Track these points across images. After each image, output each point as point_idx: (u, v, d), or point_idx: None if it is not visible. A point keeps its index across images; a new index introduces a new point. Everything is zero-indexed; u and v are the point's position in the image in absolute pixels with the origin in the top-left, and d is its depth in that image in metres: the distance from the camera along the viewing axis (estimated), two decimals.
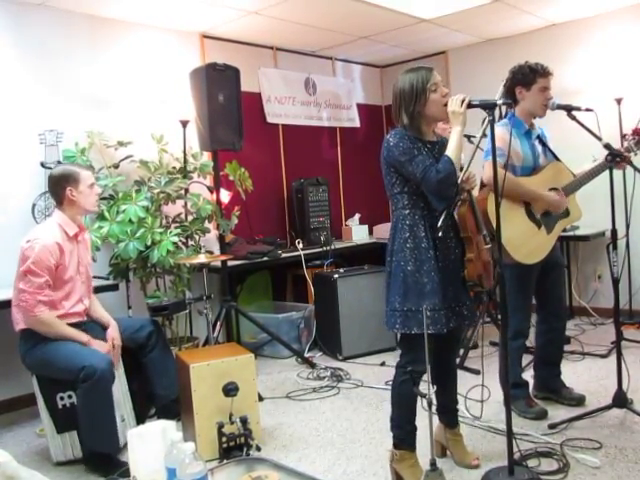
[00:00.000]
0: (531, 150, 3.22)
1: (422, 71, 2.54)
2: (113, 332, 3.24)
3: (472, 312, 2.69)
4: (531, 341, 3.51)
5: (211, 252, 4.54)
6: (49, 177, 3.23)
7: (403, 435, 2.65)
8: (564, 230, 3.58)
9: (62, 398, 3.09)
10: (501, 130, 3.07)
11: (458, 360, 4.11)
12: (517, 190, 3.05)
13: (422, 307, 2.44)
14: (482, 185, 3.20)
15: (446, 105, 2.50)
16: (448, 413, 2.86)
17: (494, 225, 2.55)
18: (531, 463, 2.72)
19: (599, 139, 3.00)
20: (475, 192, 3.27)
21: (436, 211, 2.58)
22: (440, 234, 2.50)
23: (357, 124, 6.59)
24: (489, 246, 2.67)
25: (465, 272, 2.59)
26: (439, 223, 2.50)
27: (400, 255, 2.54)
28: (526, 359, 3.50)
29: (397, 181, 2.57)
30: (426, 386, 2.38)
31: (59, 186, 3.12)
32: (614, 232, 3.08)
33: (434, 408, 2.43)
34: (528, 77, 3.16)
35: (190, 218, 4.43)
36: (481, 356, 3.09)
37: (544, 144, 3.29)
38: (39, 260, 2.95)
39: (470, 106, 2.47)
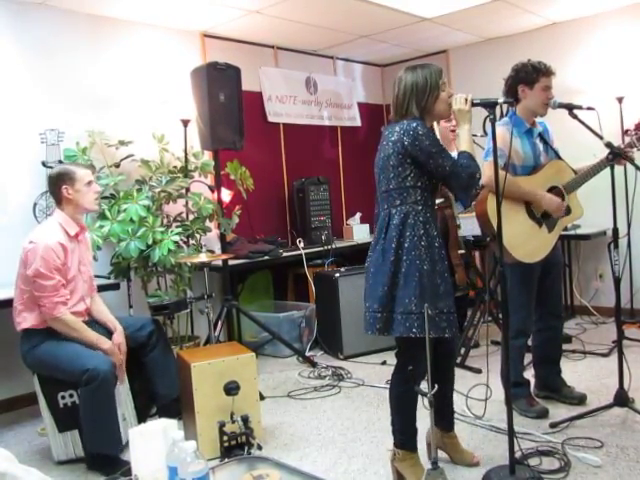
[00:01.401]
0: (532, 149, 3.21)
1: (434, 68, 2.52)
2: (119, 337, 3.22)
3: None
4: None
5: (212, 251, 4.54)
6: (48, 177, 3.24)
7: (406, 438, 2.63)
8: (565, 229, 3.57)
9: (63, 397, 3.10)
10: (501, 130, 3.06)
11: (459, 359, 4.13)
12: (516, 191, 3.04)
13: (439, 309, 2.40)
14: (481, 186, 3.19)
15: (448, 104, 2.51)
16: (445, 416, 2.81)
17: (494, 225, 2.54)
18: (532, 462, 2.72)
19: (600, 138, 3.00)
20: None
21: (436, 211, 2.58)
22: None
23: (358, 123, 6.59)
24: (462, 251, 2.67)
25: (456, 277, 2.56)
26: (457, 222, 2.48)
27: (414, 253, 2.42)
28: (527, 358, 3.50)
29: (412, 174, 2.46)
30: (427, 385, 2.39)
31: (56, 185, 3.13)
32: (615, 231, 3.08)
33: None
34: (531, 76, 3.15)
35: (191, 217, 4.43)
36: (486, 354, 3.07)
37: (546, 142, 3.29)
38: (46, 262, 2.94)
39: (472, 105, 2.48)
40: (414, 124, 2.43)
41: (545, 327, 3.41)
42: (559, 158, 3.28)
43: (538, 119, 3.30)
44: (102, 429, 2.94)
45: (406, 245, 2.43)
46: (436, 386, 2.34)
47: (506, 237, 2.59)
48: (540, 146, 3.26)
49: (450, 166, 2.41)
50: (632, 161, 2.99)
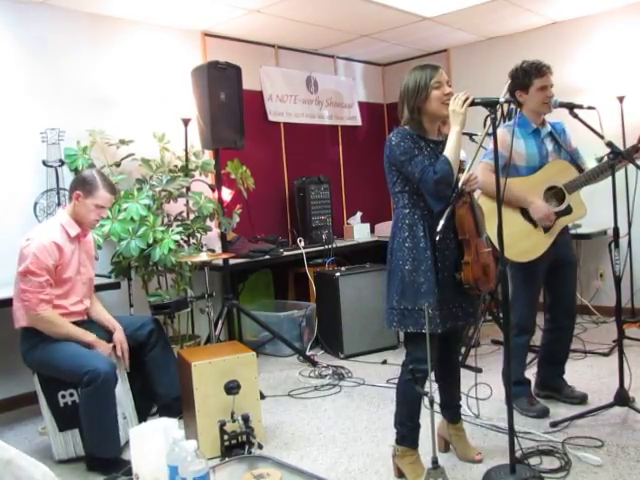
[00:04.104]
0: (538, 149, 3.20)
1: (428, 69, 2.55)
2: (120, 336, 3.23)
3: (467, 313, 2.65)
4: (533, 340, 3.50)
5: (213, 250, 4.54)
6: (78, 173, 3.33)
7: (404, 432, 2.67)
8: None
9: (64, 396, 3.10)
10: (502, 132, 3.07)
11: (460, 358, 4.13)
12: (507, 195, 3.02)
13: (418, 306, 2.48)
14: None
15: (445, 103, 2.51)
16: (451, 409, 2.88)
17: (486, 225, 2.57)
18: (533, 461, 2.72)
19: (601, 137, 2.99)
20: (477, 194, 3.27)
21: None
22: (438, 237, 2.50)
23: (359, 122, 6.58)
24: (489, 249, 2.66)
25: (461, 275, 2.57)
26: (438, 227, 2.49)
27: (399, 254, 2.57)
28: (529, 357, 3.49)
29: (398, 180, 2.59)
30: (428, 384, 2.39)
31: (75, 186, 3.15)
32: (616, 230, 3.08)
33: (437, 406, 2.44)
34: (524, 80, 3.16)
35: (192, 216, 4.43)
36: (476, 354, 3.07)
37: (557, 141, 3.26)
38: (37, 260, 2.94)
39: (472, 104, 2.48)
40: (392, 134, 2.59)
41: (556, 327, 3.41)
42: (573, 159, 3.26)
43: (556, 119, 3.29)
44: (100, 432, 2.94)
45: (394, 246, 2.61)
46: (437, 384, 2.36)
47: (497, 237, 2.58)
48: (549, 146, 3.24)
49: (418, 173, 2.49)
50: (633, 161, 2.97)
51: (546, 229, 3.17)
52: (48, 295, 2.99)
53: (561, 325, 3.41)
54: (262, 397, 3.65)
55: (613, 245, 3.08)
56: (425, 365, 2.42)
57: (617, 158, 2.96)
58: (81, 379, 2.88)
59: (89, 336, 3.09)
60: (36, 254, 2.94)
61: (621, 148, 3.02)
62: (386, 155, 2.60)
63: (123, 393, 3.22)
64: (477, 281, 2.56)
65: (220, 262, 4.39)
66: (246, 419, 2.92)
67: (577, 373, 3.88)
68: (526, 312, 3.26)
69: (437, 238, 2.50)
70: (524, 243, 3.11)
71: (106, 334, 3.24)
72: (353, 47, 6.01)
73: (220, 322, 4.28)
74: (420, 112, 2.55)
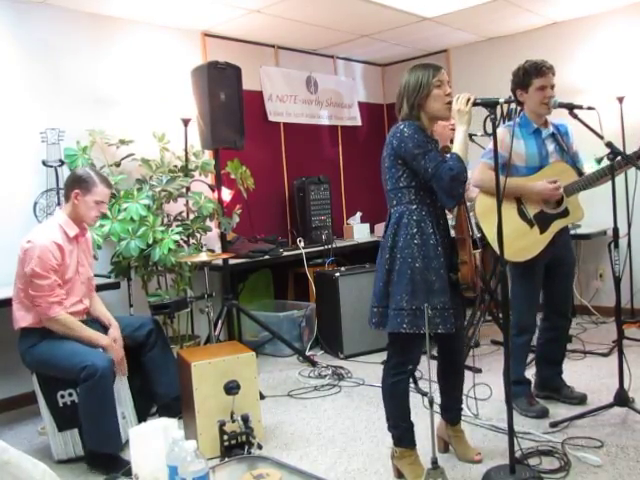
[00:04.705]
0: (538, 150, 3.20)
1: (430, 68, 2.54)
2: (115, 332, 3.22)
3: (456, 317, 2.61)
4: (533, 339, 3.50)
5: (212, 250, 4.54)
6: (71, 172, 3.31)
7: (400, 434, 2.65)
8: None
9: (62, 396, 3.10)
10: (502, 132, 3.07)
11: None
12: (506, 187, 3.03)
13: (432, 305, 2.41)
14: None
15: (448, 103, 2.51)
16: (451, 412, 2.86)
17: (481, 226, 2.55)
18: (532, 462, 2.72)
19: (601, 137, 2.98)
20: (475, 193, 3.27)
21: (440, 208, 2.57)
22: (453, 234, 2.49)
23: (358, 123, 6.58)
24: (479, 250, 2.67)
25: (459, 274, 2.56)
26: (453, 223, 2.48)
27: (407, 251, 2.48)
28: (528, 357, 3.49)
29: (404, 175, 2.52)
30: (426, 384, 2.39)
31: (71, 185, 3.14)
32: (616, 230, 3.07)
33: (437, 407, 2.44)
34: (524, 80, 3.17)
35: (191, 216, 4.43)
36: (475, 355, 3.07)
37: (559, 143, 3.25)
38: (42, 262, 2.94)
39: (473, 104, 2.48)
40: (402, 126, 2.50)
41: (550, 326, 3.41)
42: (574, 162, 3.25)
43: (560, 121, 3.30)
44: (101, 427, 2.94)
45: (400, 244, 2.50)
46: (439, 386, 2.36)
47: (491, 237, 2.59)
48: (550, 147, 3.23)
49: (432, 168, 2.42)
50: (636, 164, 2.96)
51: (542, 229, 3.16)
52: (58, 297, 3.00)
53: (556, 325, 3.42)
54: (262, 397, 3.65)
55: (613, 245, 3.08)
56: (415, 366, 2.42)
57: (616, 158, 2.96)
58: (79, 375, 2.89)
59: (103, 340, 3.11)
60: (40, 256, 2.95)
61: (621, 149, 3.02)
62: (392, 147, 2.50)
63: (122, 393, 3.22)
64: (473, 280, 2.56)
65: (220, 262, 4.40)
66: (246, 419, 2.91)
67: (576, 373, 3.88)
68: (525, 312, 3.26)
69: (453, 234, 2.48)
70: (520, 242, 3.12)
71: (103, 330, 3.24)
72: (353, 47, 6.01)
73: (220, 322, 4.29)
74: (420, 109, 2.54)
